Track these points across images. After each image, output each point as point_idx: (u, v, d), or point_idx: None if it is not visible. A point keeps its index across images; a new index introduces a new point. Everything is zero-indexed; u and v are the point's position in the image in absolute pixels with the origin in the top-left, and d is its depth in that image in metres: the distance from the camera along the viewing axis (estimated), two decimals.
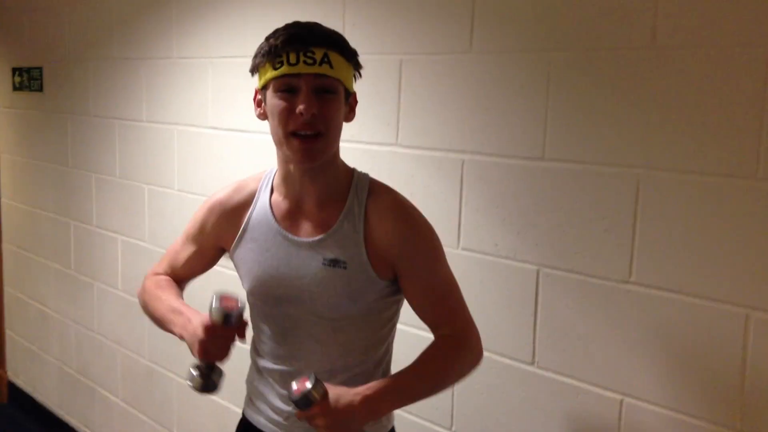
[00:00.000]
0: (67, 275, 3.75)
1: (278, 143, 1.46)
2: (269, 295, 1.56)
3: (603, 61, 1.66)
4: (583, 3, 1.68)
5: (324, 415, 1.40)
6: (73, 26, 3.47)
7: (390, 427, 1.63)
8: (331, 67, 1.40)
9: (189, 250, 1.70)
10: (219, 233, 1.64)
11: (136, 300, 3.19)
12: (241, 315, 1.45)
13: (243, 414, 1.71)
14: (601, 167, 1.68)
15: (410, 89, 2.04)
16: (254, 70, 1.48)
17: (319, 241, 1.50)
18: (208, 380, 1.49)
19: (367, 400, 1.45)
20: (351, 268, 1.48)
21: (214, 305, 1.44)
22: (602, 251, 1.69)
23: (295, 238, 1.52)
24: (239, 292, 1.61)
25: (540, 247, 1.80)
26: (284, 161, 1.51)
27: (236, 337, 1.46)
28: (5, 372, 4.45)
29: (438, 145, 1.98)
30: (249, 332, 1.56)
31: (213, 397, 2.68)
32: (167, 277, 1.73)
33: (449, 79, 1.95)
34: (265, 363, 1.61)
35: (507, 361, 1.89)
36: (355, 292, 1.49)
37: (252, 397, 1.68)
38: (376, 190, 1.54)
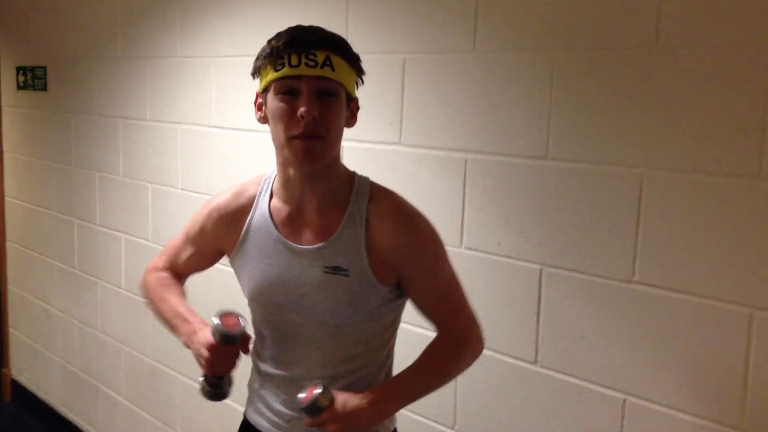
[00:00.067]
0: (70, 274, 3.76)
1: (279, 146, 1.45)
2: (270, 302, 1.55)
3: (606, 61, 1.66)
4: (587, 3, 1.68)
5: (333, 420, 1.45)
6: (77, 26, 3.47)
7: (392, 429, 1.63)
8: (333, 70, 1.39)
9: (189, 250, 1.71)
10: (218, 238, 1.63)
11: (140, 299, 3.19)
12: (243, 333, 1.48)
13: (244, 416, 1.71)
14: (604, 167, 1.67)
15: (413, 88, 2.04)
16: (255, 72, 1.47)
17: (320, 248, 1.47)
18: (218, 389, 1.54)
19: (374, 402, 1.49)
20: (353, 275, 1.46)
21: (215, 326, 1.46)
22: (605, 251, 1.69)
23: (296, 245, 1.50)
24: (240, 296, 1.62)
25: (543, 246, 1.80)
26: (284, 165, 1.49)
27: (241, 353, 1.51)
28: (9, 370, 4.46)
29: (441, 144, 1.98)
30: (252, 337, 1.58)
31: None
32: (169, 275, 1.74)
33: (452, 79, 1.95)
34: (267, 368, 1.61)
35: (510, 360, 1.89)
36: (357, 299, 1.48)
37: (253, 400, 1.67)
38: (377, 194, 1.51)
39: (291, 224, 1.52)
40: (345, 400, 1.47)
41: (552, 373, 1.81)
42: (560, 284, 1.78)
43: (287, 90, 1.39)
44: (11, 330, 4.42)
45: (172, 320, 1.64)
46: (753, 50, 1.45)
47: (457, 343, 1.57)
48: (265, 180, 1.59)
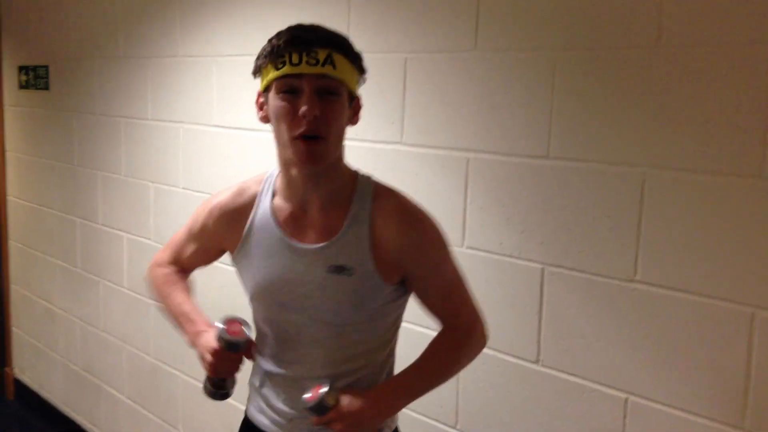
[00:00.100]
0: (73, 273, 3.76)
1: (281, 146, 1.44)
2: (272, 301, 1.54)
3: (607, 60, 1.66)
4: (588, 2, 1.68)
5: (340, 420, 1.46)
6: (79, 25, 3.47)
7: (394, 428, 1.63)
8: (334, 68, 1.37)
9: (192, 247, 1.71)
10: (220, 236, 1.62)
11: (142, 298, 3.20)
12: (247, 341, 1.51)
13: (245, 414, 1.71)
14: (606, 166, 1.67)
15: (415, 87, 2.04)
16: (257, 71, 1.46)
17: (324, 247, 1.47)
18: (221, 390, 1.56)
19: (380, 400, 1.51)
20: (357, 274, 1.46)
21: (219, 332, 1.48)
22: (607, 250, 1.69)
23: (299, 244, 1.49)
24: (240, 296, 1.62)
25: (545, 245, 1.80)
26: (287, 165, 1.48)
27: (244, 358, 1.53)
28: (11, 369, 4.47)
29: (442, 143, 1.98)
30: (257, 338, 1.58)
31: None
32: (174, 270, 1.75)
33: (454, 78, 1.95)
34: (268, 366, 1.60)
35: (511, 359, 1.89)
36: (361, 299, 1.48)
37: (254, 398, 1.67)
38: (381, 193, 1.51)
39: (294, 223, 1.51)
40: (351, 398, 1.47)
41: (554, 372, 1.81)
42: (562, 283, 1.78)
43: (288, 89, 1.38)
44: (14, 329, 4.43)
45: (178, 318, 1.66)
46: (755, 49, 1.45)
47: (461, 338, 1.58)
48: (267, 178, 1.58)
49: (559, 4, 1.73)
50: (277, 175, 1.55)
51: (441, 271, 1.53)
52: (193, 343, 1.58)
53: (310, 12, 2.31)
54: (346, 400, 1.47)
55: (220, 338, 1.48)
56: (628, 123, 1.63)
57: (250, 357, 1.57)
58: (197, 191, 2.85)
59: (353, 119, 1.49)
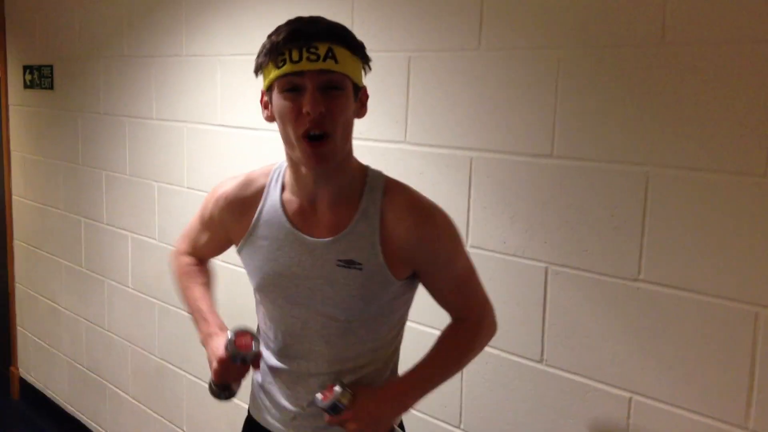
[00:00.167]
0: (77, 272, 3.77)
1: (288, 146, 1.42)
2: (278, 294, 1.53)
3: (612, 59, 1.65)
4: (592, 0, 1.67)
5: (355, 419, 1.46)
6: (84, 24, 3.48)
7: (399, 420, 1.63)
8: (336, 61, 1.34)
9: (205, 236, 1.72)
10: (226, 226, 1.62)
11: (147, 297, 3.21)
12: (255, 355, 1.51)
13: (248, 412, 1.70)
14: (610, 165, 1.67)
15: (419, 86, 2.04)
16: (258, 70, 1.43)
17: (334, 241, 1.45)
18: (225, 392, 1.57)
19: (394, 398, 1.51)
20: (366, 269, 1.44)
21: (228, 343, 1.49)
22: (611, 249, 1.68)
23: (308, 237, 1.48)
24: (245, 296, 1.62)
25: (548, 244, 1.80)
26: (295, 163, 1.47)
27: (251, 369, 1.54)
28: (17, 368, 4.48)
29: (446, 142, 1.98)
30: (263, 337, 1.58)
31: None
32: (192, 260, 1.76)
33: (458, 76, 1.94)
34: (272, 361, 1.60)
35: (515, 358, 1.89)
36: (370, 294, 1.46)
37: (257, 395, 1.66)
38: (391, 188, 1.49)
39: (303, 217, 1.50)
40: (366, 398, 1.47)
41: (558, 371, 1.81)
42: (566, 283, 1.77)
43: (291, 87, 1.36)
44: (19, 328, 4.44)
45: (194, 314, 1.69)
46: (759, 47, 1.44)
47: (473, 330, 1.58)
48: (275, 170, 1.57)
49: (564, 3, 1.72)
50: (286, 169, 1.54)
51: (453, 265, 1.52)
52: (204, 343, 1.59)
53: (314, 11, 2.29)
54: (360, 400, 1.46)
55: (228, 349, 1.49)
56: (632, 122, 1.63)
57: (256, 368, 1.58)
58: (201, 190, 2.85)
59: (360, 111, 1.47)
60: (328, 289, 1.47)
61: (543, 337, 1.83)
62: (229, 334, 1.50)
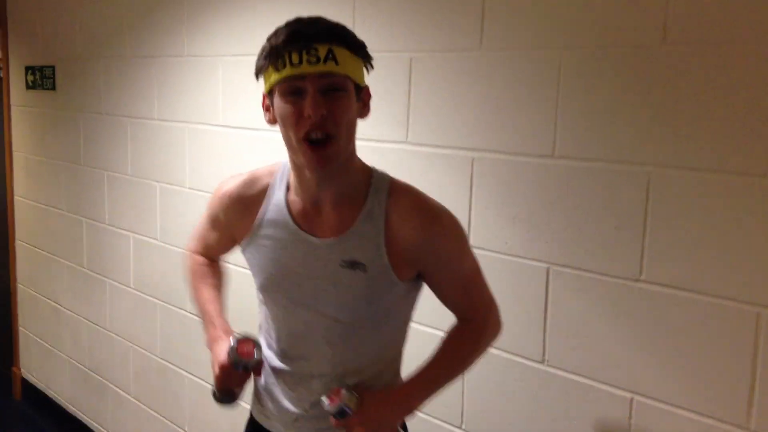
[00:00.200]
0: (79, 272, 3.77)
1: (290, 150, 1.41)
2: (282, 295, 1.52)
3: (613, 59, 1.65)
4: (594, 1, 1.67)
5: (362, 422, 1.46)
6: (85, 25, 3.48)
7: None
8: (337, 63, 1.32)
9: (213, 235, 1.72)
10: (230, 224, 1.61)
11: (148, 297, 3.21)
12: (257, 363, 1.51)
13: (251, 413, 1.70)
14: (612, 165, 1.67)
15: (420, 87, 2.04)
16: (258, 73, 1.42)
17: (338, 242, 1.44)
18: (227, 397, 1.57)
19: (400, 399, 1.51)
20: (371, 270, 1.43)
21: (230, 350, 1.50)
22: (613, 249, 1.68)
23: (312, 238, 1.47)
24: (250, 298, 1.62)
25: (550, 245, 1.80)
26: (298, 166, 1.45)
27: (252, 376, 1.55)
28: (18, 369, 4.48)
29: (448, 142, 1.98)
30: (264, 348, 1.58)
31: None
32: (204, 260, 1.77)
33: (459, 77, 1.94)
34: (275, 362, 1.59)
35: (517, 359, 1.89)
36: (374, 295, 1.45)
37: (260, 396, 1.66)
38: (396, 189, 1.48)
39: (307, 218, 1.48)
40: (373, 401, 1.47)
41: (559, 372, 1.81)
42: (567, 283, 1.77)
43: (292, 91, 1.34)
44: (21, 329, 4.44)
45: (202, 317, 1.69)
46: (761, 48, 1.44)
47: (478, 331, 1.58)
48: (280, 170, 1.55)
49: (565, 4, 1.72)
50: (290, 169, 1.52)
51: (459, 266, 1.52)
52: (210, 347, 1.59)
53: (315, 11, 2.29)
54: (367, 403, 1.46)
55: (230, 355, 1.49)
56: (633, 122, 1.63)
57: (258, 375, 1.58)
58: (203, 191, 2.85)
59: (363, 111, 1.45)
60: (332, 290, 1.46)
61: (544, 337, 1.83)
62: (232, 341, 1.50)
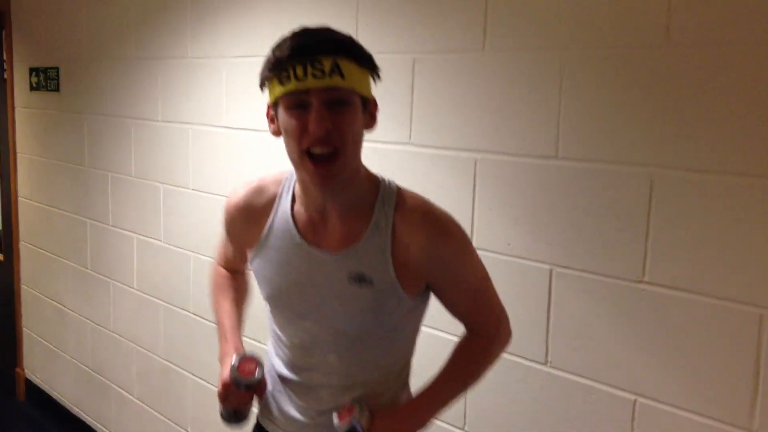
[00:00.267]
0: (83, 274, 3.78)
1: (294, 164, 1.38)
2: (288, 308, 1.51)
3: (616, 60, 1.65)
4: (597, 1, 1.67)
5: None
6: (89, 27, 3.49)
7: None
8: (343, 77, 1.29)
9: (230, 247, 1.71)
10: (241, 235, 1.59)
11: (152, 299, 3.21)
12: (258, 382, 1.51)
13: (257, 419, 1.68)
14: (615, 166, 1.67)
15: (423, 88, 2.04)
16: (262, 84, 1.39)
17: (344, 255, 1.41)
18: (235, 416, 1.58)
19: (410, 414, 1.50)
20: (377, 285, 1.40)
21: (232, 368, 1.50)
22: (615, 251, 1.68)
23: (318, 251, 1.44)
24: (257, 299, 1.62)
25: (553, 246, 1.80)
26: (303, 178, 1.42)
27: (254, 396, 1.55)
28: (22, 369, 4.49)
29: (451, 144, 1.98)
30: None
31: None
32: (225, 273, 1.76)
33: (462, 78, 1.94)
34: (283, 371, 1.57)
35: (520, 360, 1.89)
36: (381, 310, 1.43)
37: (267, 402, 1.64)
38: (404, 201, 1.44)
39: (313, 229, 1.46)
40: (383, 417, 1.46)
41: (562, 373, 1.81)
42: (570, 284, 1.77)
43: (296, 104, 1.31)
44: (24, 329, 4.45)
45: (218, 331, 1.69)
46: (763, 49, 1.44)
47: (488, 343, 1.56)
48: (287, 179, 1.52)
49: (568, 4, 1.72)
50: (296, 179, 1.49)
51: (468, 279, 1.49)
52: (220, 362, 1.59)
53: (318, 12, 2.31)
54: (378, 420, 1.44)
55: (231, 373, 1.50)
56: (636, 123, 1.63)
57: (261, 396, 1.58)
58: (206, 192, 2.86)
59: (370, 123, 1.42)
60: (338, 303, 1.43)
61: (547, 338, 1.83)
62: (234, 360, 1.50)
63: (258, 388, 1.54)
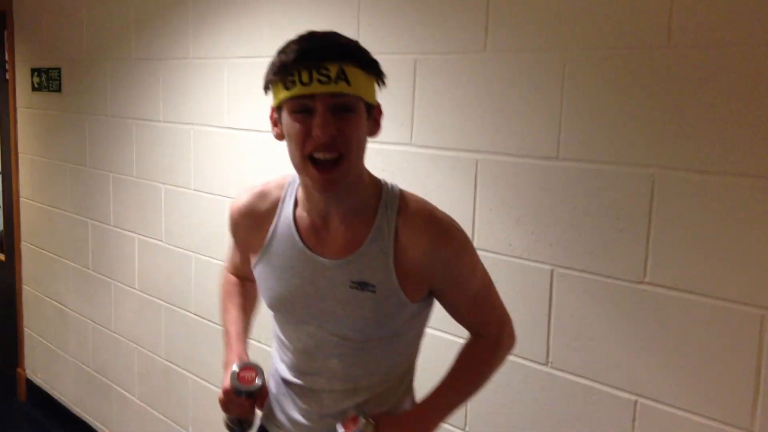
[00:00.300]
0: (84, 274, 3.78)
1: (296, 168, 1.38)
2: (290, 314, 1.51)
3: (618, 60, 1.65)
4: (598, 2, 1.67)
5: None
6: (91, 27, 3.50)
7: None
8: (348, 83, 1.28)
9: (237, 254, 1.70)
10: (245, 241, 1.59)
11: (153, 299, 3.22)
12: (258, 390, 1.52)
13: (260, 421, 1.67)
14: (616, 167, 1.67)
15: (424, 89, 2.05)
16: (267, 87, 1.38)
17: (346, 262, 1.41)
18: (238, 425, 1.59)
19: (415, 422, 1.49)
20: (380, 291, 1.40)
21: (232, 375, 1.51)
22: (616, 251, 1.68)
23: (321, 258, 1.43)
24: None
25: (554, 247, 1.80)
26: (305, 184, 1.42)
27: (254, 405, 1.56)
28: (23, 370, 4.49)
29: (452, 144, 1.98)
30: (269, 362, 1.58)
31: None
32: (234, 280, 1.76)
33: (463, 79, 1.95)
34: (286, 374, 1.57)
35: (521, 361, 1.89)
36: (384, 316, 1.42)
37: (270, 405, 1.63)
38: (407, 206, 1.43)
39: (316, 235, 1.45)
40: (388, 426, 1.45)
41: (563, 374, 1.81)
42: (571, 285, 1.77)
43: (301, 109, 1.31)
44: (26, 330, 4.45)
45: (223, 336, 1.69)
46: (764, 49, 1.44)
47: (492, 347, 1.56)
48: (289, 184, 1.52)
49: (569, 5, 1.73)
50: (299, 184, 1.49)
51: (470, 284, 1.49)
52: (224, 369, 1.59)
53: (319, 13, 2.31)
54: (383, 429, 1.44)
55: (231, 381, 1.51)
56: (637, 124, 1.63)
57: (260, 406, 1.59)
58: (208, 193, 2.86)
59: (374, 129, 1.42)
60: (341, 310, 1.43)
61: (548, 339, 1.83)
62: (234, 367, 1.52)
63: (258, 395, 1.55)
